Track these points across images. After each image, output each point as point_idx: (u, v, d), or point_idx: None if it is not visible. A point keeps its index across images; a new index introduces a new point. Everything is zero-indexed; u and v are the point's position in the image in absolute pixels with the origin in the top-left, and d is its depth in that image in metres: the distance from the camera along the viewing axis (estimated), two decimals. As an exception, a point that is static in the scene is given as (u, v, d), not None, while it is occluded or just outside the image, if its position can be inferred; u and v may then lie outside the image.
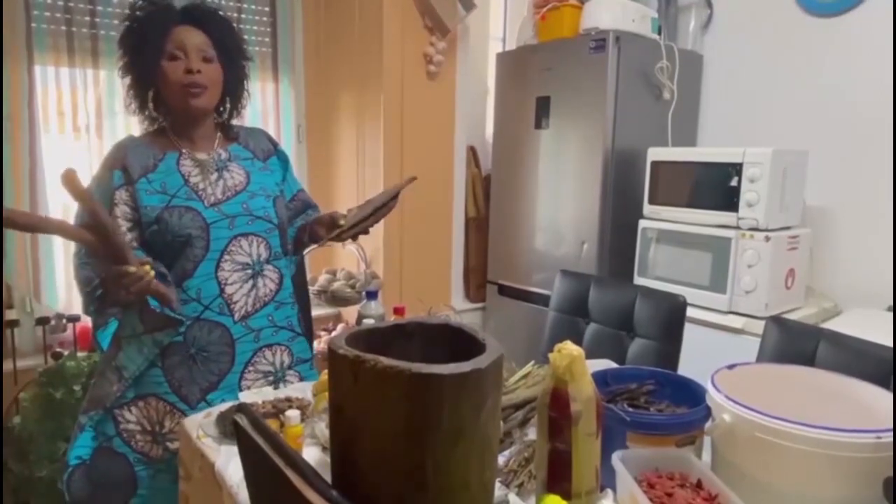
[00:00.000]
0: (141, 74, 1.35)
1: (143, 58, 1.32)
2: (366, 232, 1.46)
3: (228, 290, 1.36)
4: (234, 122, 1.52)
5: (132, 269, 1.15)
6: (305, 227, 1.57)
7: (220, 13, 1.42)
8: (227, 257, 1.36)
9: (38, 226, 1.11)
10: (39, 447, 1.91)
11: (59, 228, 1.12)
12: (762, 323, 1.61)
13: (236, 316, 1.37)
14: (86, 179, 1.20)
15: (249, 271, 1.39)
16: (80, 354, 2.08)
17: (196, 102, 1.34)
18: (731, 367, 1.13)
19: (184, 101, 1.34)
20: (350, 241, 1.50)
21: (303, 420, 1.17)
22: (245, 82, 1.48)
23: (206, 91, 1.35)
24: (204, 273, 1.33)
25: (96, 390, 1.36)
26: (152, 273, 1.19)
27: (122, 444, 1.33)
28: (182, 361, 1.34)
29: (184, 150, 1.39)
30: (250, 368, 1.40)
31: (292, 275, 1.52)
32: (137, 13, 1.34)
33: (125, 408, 1.33)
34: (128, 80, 1.37)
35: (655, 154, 2.37)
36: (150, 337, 1.32)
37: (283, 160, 1.57)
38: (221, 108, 1.47)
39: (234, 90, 1.45)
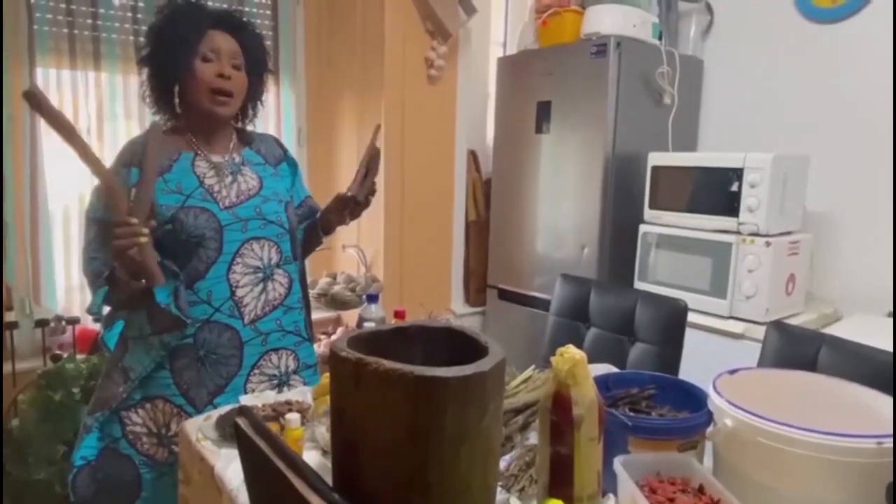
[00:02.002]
0: (169, 68, 1.34)
1: (175, 52, 1.31)
2: (373, 191, 1.53)
3: (239, 292, 1.36)
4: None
5: (133, 220, 1.15)
6: (316, 224, 1.58)
7: (252, 25, 1.43)
8: (238, 260, 1.36)
9: (65, 128, 1.11)
10: (38, 450, 1.90)
11: (81, 146, 1.12)
12: (763, 328, 1.61)
13: (246, 319, 1.37)
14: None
15: (260, 275, 1.39)
16: (79, 357, 2.07)
17: (221, 111, 1.36)
18: (732, 371, 1.13)
19: (209, 106, 1.34)
20: (353, 226, 1.58)
21: (303, 423, 1.16)
22: (265, 93, 1.50)
23: (232, 100, 1.37)
24: (216, 275, 1.33)
25: (102, 391, 1.35)
26: (145, 239, 1.17)
27: (128, 446, 1.33)
28: (190, 363, 1.33)
29: (199, 152, 1.38)
30: (255, 371, 1.40)
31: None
32: (173, 9, 1.34)
33: (132, 409, 1.33)
34: (149, 70, 1.36)
35: (656, 159, 2.38)
36: (158, 338, 1.32)
37: (293, 166, 1.57)
38: (238, 114, 1.48)
39: (253, 99, 1.48)
